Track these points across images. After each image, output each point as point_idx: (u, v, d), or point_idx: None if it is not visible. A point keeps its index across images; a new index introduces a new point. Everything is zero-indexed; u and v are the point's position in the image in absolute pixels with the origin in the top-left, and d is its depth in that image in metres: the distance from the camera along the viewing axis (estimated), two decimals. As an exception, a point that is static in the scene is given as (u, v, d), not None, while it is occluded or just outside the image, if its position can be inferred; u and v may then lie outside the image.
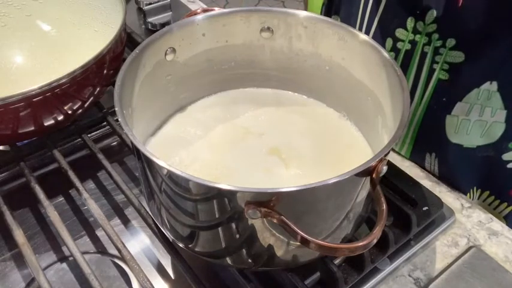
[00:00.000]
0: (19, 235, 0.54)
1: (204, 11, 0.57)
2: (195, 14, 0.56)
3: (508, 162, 0.62)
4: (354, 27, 0.67)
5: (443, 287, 0.52)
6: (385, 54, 0.51)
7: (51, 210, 0.56)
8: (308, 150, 0.56)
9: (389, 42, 0.63)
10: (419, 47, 0.60)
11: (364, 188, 0.45)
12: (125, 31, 0.64)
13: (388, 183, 0.59)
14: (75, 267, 0.57)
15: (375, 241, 0.40)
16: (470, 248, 0.56)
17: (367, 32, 0.66)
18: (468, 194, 0.64)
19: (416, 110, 0.64)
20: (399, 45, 0.62)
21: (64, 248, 0.60)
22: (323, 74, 0.59)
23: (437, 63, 0.60)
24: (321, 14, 0.79)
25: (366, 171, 0.42)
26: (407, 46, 0.61)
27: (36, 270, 0.51)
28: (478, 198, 0.65)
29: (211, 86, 0.62)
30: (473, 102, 0.59)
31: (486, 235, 0.58)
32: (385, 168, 0.42)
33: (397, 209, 0.56)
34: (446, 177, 0.64)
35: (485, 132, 0.61)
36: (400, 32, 0.61)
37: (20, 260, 0.59)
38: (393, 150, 0.68)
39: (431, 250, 0.56)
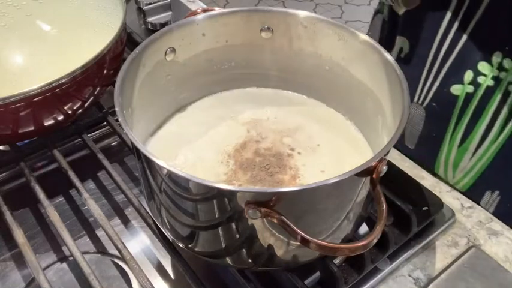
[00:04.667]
0: (19, 235, 0.54)
1: (204, 11, 0.57)
2: (195, 14, 0.56)
3: None
4: (427, 53, 0.64)
5: (443, 287, 0.52)
6: (385, 54, 0.51)
7: (51, 210, 0.56)
8: (308, 150, 0.56)
9: (469, 74, 0.60)
10: (503, 85, 0.57)
11: (364, 188, 0.45)
12: (125, 31, 0.64)
13: (388, 183, 0.59)
14: (75, 267, 0.57)
15: (375, 241, 0.40)
16: (470, 248, 0.56)
17: (444, 61, 0.63)
18: None
19: (490, 147, 0.62)
20: (480, 79, 0.59)
21: (64, 248, 0.60)
22: (323, 74, 0.59)
23: None
24: (382, 32, 0.73)
25: (366, 171, 0.42)
26: (490, 82, 0.58)
27: (36, 270, 0.51)
28: None
29: (211, 86, 0.62)
30: None
31: (486, 235, 0.58)
32: (385, 168, 0.42)
33: (397, 209, 0.56)
34: (501, 216, 0.61)
35: None
36: (483, 66, 0.58)
37: (20, 260, 0.59)
38: (449, 185, 0.63)
39: (431, 250, 0.56)
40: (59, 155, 0.61)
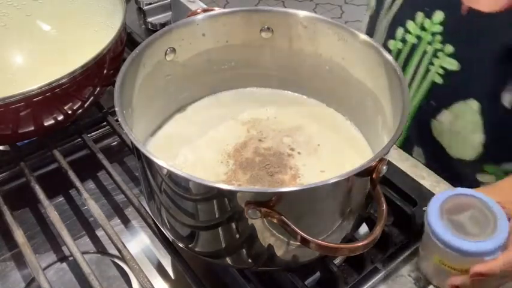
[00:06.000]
0: (19, 235, 0.54)
1: (204, 11, 0.57)
2: (195, 14, 0.56)
3: (482, 183, 0.63)
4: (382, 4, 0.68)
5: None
6: (385, 54, 0.51)
7: (51, 210, 0.56)
8: (308, 150, 0.56)
9: (400, 31, 0.64)
10: (422, 44, 0.61)
11: (364, 188, 0.45)
12: (125, 31, 0.64)
13: (388, 183, 0.59)
14: (75, 267, 0.56)
15: (375, 241, 0.40)
16: (470, 248, 0.56)
17: (389, 15, 0.67)
18: None
19: (411, 104, 0.65)
20: (407, 37, 0.63)
21: (64, 248, 0.60)
22: (323, 74, 0.59)
23: (434, 65, 0.61)
24: None
25: (366, 171, 0.42)
26: (414, 40, 0.62)
27: (36, 270, 0.51)
28: None
29: (212, 86, 0.62)
30: (457, 113, 0.60)
31: (486, 235, 0.58)
32: (385, 168, 0.42)
33: (397, 209, 0.56)
34: (433, 170, 0.65)
35: (463, 146, 0.61)
36: (410, 24, 0.62)
37: (20, 260, 0.59)
38: None
39: (431, 250, 0.56)
40: (59, 155, 0.61)
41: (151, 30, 0.84)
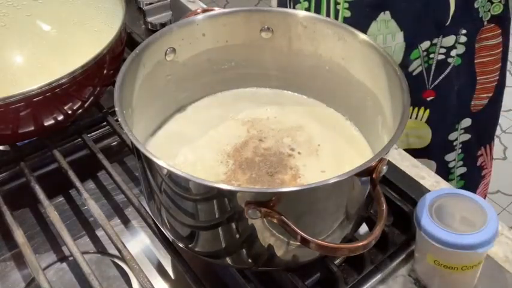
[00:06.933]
0: (19, 235, 0.54)
1: (204, 11, 0.57)
2: (195, 14, 0.56)
3: (413, 71, 0.70)
4: None
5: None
6: (385, 54, 0.51)
7: (51, 210, 0.56)
8: (308, 150, 0.56)
9: None
10: None
11: (364, 188, 0.45)
12: (125, 31, 0.64)
13: (388, 183, 0.59)
14: (75, 267, 0.56)
15: (374, 241, 0.40)
16: (470, 248, 0.56)
17: None
18: None
19: None
20: None
21: (64, 248, 0.60)
22: (323, 74, 0.59)
23: (340, 4, 0.67)
24: None
25: (366, 171, 0.42)
26: None
27: (36, 270, 0.51)
28: None
29: (211, 86, 0.62)
30: (375, 33, 0.66)
31: (486, 235, 0.57)
32: (385, 168, 0.42)
33: (397, 209, 0.56)
34: None
35: (394, 55, 0.68)
36: None
37: (20, 260, 0.59)
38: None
39: (431, 250, 0.56)
40: (59, 155, 0.61)
41: (151, 30, 0.84)
